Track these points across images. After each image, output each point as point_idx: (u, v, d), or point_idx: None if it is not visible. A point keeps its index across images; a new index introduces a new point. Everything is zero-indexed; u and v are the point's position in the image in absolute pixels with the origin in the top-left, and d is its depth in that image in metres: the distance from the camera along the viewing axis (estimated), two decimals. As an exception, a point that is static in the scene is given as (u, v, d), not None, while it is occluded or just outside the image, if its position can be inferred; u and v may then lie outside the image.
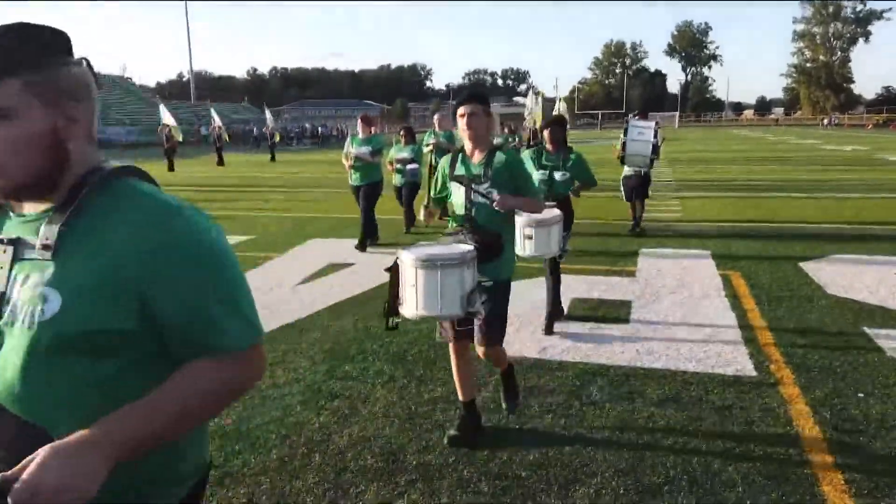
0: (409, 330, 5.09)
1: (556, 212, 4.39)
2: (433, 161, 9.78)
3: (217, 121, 27.81)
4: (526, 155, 5.12)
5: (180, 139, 25.70)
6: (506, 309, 3.34)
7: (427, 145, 9.86)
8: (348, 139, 8.62)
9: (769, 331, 4.95)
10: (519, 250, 3.97)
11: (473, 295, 2.97)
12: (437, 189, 3.56)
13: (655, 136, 8.84)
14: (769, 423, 3.51)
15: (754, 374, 4.17)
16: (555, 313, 5.13)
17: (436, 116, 10.42)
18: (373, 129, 8.26)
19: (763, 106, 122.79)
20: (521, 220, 3.91)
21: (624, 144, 8.91)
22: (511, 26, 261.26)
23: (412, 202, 9.37)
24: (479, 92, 3.42)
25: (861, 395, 3.83)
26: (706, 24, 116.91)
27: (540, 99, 24.99)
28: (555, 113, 27.48)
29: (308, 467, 3.16)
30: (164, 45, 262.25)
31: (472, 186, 3.22)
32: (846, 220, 10.16)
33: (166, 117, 25.09)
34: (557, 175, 5.30)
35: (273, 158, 29.74)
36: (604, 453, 3.23)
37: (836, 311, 5.42)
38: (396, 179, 9.53)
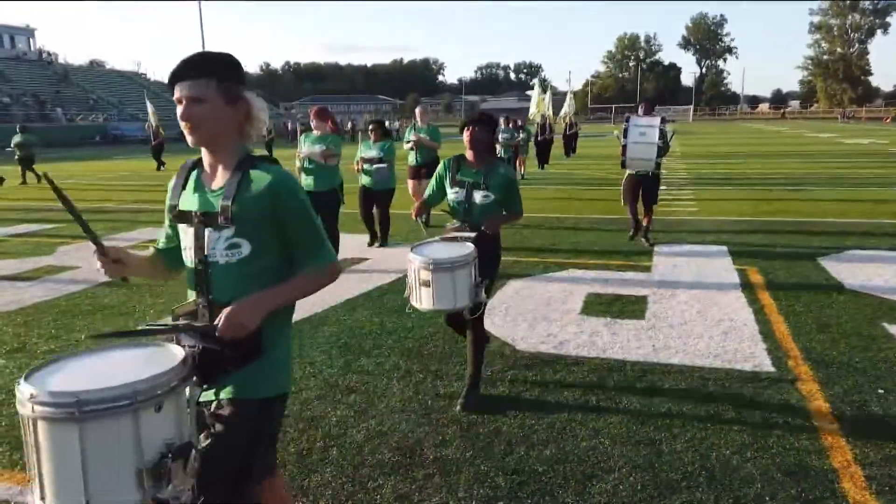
0: (424, 325, 5.11)
1: (469, 248, 3.42)
2: (417, 159, 9.41)
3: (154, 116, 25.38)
4: (437, 171, 3.96)
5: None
6: None
7: (407, 142, 9.42)
8: (300, 136, 7.30)
9: (787, 326, 4.92)
10: (414, 300, 3.39)
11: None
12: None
13: (661, 136, 7.62)
14: (788, 419, 3.49)
15: (772, 369, 4.14)
16: (474, 385, 3.79)
17: (417, 110, 9.85)
18: (329, 124, 7.08)
19: (779, 99, 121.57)
20: (416, 260, 3.32)
21: (624, 148, 7.74)
22: (524, 20, 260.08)
23: (385, 209, 8.35)
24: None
25: (881, 391, 3.80)
26: (721, 16, 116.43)
27: (548, 91, 24.52)
28: (564, 109, 26.71)
29: (326, 461, 3.18)
30: (179, 41, 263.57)
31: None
32: (864, 214, 10.05)
33: (152, 114, 24.28)
34: (478, 195, 3.76)
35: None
36: (621, 449, 3.23)
37: (855, 307, 5.37)
38: (364, 181, 8.29)
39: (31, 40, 66.45)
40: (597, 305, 5.57)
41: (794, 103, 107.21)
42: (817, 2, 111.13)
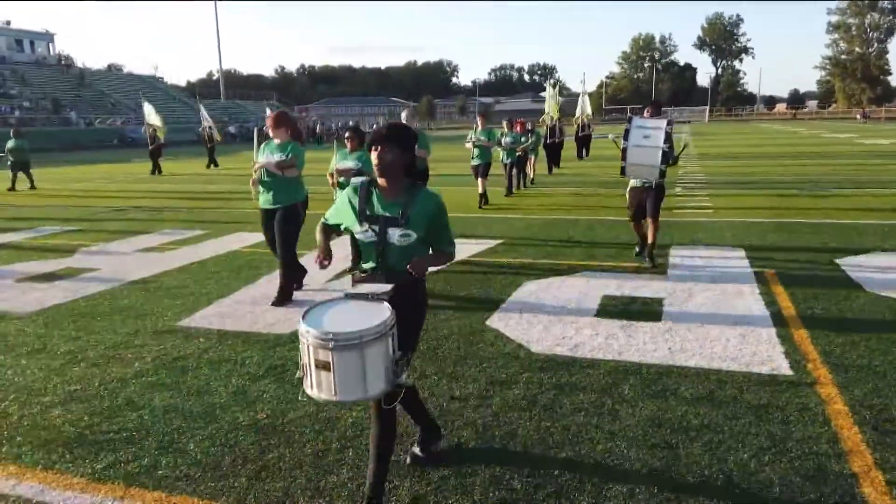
0: (440, 327, 5.12)
1: (385, 311, 2.53)
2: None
3: (208, 121, 26.59)
4: (345, 193, 3.03)
5: (164, 139, 24.43)
6: None
7: None
8: (259, 145, 6.28)
9: (805, 329, 4.87)
10: (309, 387, 2.49)
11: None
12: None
13: (668, 140, 6.61)
14: (806, 423, 3.46)
15: (790, 372, 4.10)
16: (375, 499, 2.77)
17: (403, 113, 8.80)
18: (288, 130, 6.10)
19: (796, 99, 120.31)
20: (310, 334, 2.41)
21: (624, 152, 6.77)
22: (537, 21, 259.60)
23: None
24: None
25: (902, 395, 3.75)
26: (737, 16, 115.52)
27: (556, 91, 23.75)
28: (578, 112, 25.90)
29: (342, 462, 3.20)
30: (195, 45, 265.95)
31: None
32: (885, 215, 9.92)
33: (151, 117, 23.90)
34: (395, 234, 2.85)
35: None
36: (637, 452, 3.21)
37: (875, 309, 5.30)
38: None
39: (50, 45, 67.41)
40: (612, 307, 5.55)
41: (812, 103, 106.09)
42: (835, 1, 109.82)
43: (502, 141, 13.92)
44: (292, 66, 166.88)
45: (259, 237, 9.09)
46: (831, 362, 4.23)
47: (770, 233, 8.71)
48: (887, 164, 18.72)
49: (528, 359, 4.45)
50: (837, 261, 6.94)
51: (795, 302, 5.54)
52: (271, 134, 6.14)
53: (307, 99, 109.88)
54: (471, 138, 12.52)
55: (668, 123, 6.75)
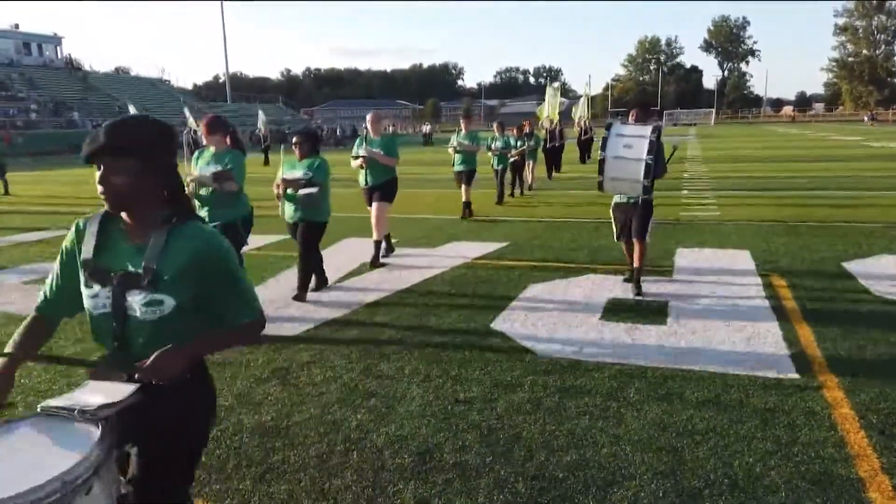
0: (444, 329, 5.12)
1: (90, 439, 1.57)
2: (367, 180, 7.57)
3: (193, 124, 25.12)
4: (70, 234, 1.94)
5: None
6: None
7: (355, 157, 7.57)
8: (193, 155, 5.60)
9: (812, 332, 4.84)
10: None
11: None
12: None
13: (651, 151, 5.54)
14: (813, 427, 3.44)
15: (796, 376, 4.08)
16: None
17: (368, 116, 7.79)
18: (225, 138, 5.40)
19: (803, 101, 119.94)
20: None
21: (601, 163, 5.78)
22: (543, 23, 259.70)
23: (309, 248, 6.15)
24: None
25: (909, 399, 3.73)
26: (744, 18, 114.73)
27: (558, 93, 23.08)
28: (579, 113, 24.97)
29: (346, 465, 3.20)
30: (202, 48, 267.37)
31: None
32: (893, 218, 9.87)
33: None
34: (136, 300, 1.82)
35: (267, 162, 26.42)
36: (642, 455, 3.20)
37: (882, 313, 5.27)
38: (286, 212, 6.14)
39: (58, 48, 67.73)
40: (617, 311, 5.53)
41: (819, 106, 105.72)
42: (842, 3, 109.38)
43: (492, 145, 13.18)
44: (298, 69, 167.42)
45: (266, 239, 9.13)
46: (838, 366, 4.21)
47: (776, 235, 8.68)
48: (892, 168, 18.61)
49: (533, 361, 4.44)
50: (844, 264, 6.91)
51: (802, 305, 5.51)
52: (205, 141, 5.48)
53: (313, 101, 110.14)
54: (453, 142, 11.37)
55: (654, 131, 5.67)
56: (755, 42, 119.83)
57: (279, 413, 3.76)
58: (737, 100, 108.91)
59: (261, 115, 32.12)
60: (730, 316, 5.30)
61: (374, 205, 7.53)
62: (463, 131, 11.45)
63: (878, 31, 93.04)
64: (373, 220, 7.58)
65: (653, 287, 6.24)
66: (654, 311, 5.48)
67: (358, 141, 7.68)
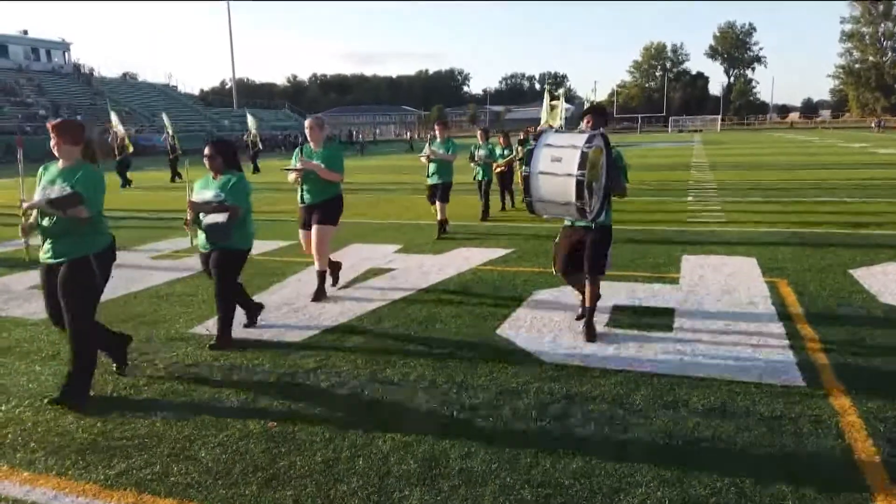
0: (450, 335, 5.12)
1: None
2: (305, 198, 6.27)
3: (170, 130, 23.86)
4: None
5: (131, 150, 21.74)
6: None
7: (288, 169, 6.35)
8: (40, 170, 4.21)
9: (818, 340, 4.83)
10: None
11: None
12: None
13: (583, 166, 4.23)
14: (820, 436, 3.42)
15: (803, 384, 4.07)
16: None
17: (307, 122, 6.30)
18: (79, 146, 4.12)
19: (809, 108, 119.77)
20: None
21: (526, 181, 4.53)
22: (549, 30, 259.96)
23: (224, 281, 5.04)
24: None
25: (917, 407, 3.71)
26: (750, 24, 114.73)
27: (561, 100, 22.74)
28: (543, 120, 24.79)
29: (352, 471, 3.20)
30: (209, 54, 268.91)
31: None
32: (899, 225, 9.82)
33: (116, 124, 21.57)
34: None
35: (256, 170, 25.80)
36: (648, 463, 3.19)
37: (889, 321, 5.25)
38: (199, 240, 5.17)
39: (66, 54, 68.22)
40: (623, 317, 5.53)
41: (826, 112, 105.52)
42: (849, 10, 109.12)
43: (475, 155, 11.85)
44: (304, 75, 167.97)
45: (272, 245, 9.17)
46: (845, 374, 4.20)
47: (783, 242, 8.65)
48: (902, 174, 18.55)
49: (539, 368, 4.44)
50: (851, 271, 6.88)
51: (808, 312, 5.49)
52: (56, 152, 4.09)
53: (319, 107, 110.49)
54: (426, 151, 9.92)
55: (588, 140, 4.35)
56: (761, 49, 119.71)
57: (285, 418, 3.77)
58: (743, 106, 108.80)
59: (250, 120, 28.82)
60: (736, 323, 5.28)
61: (314, 228, 6.16)
62: (438, 139, 10.18)
63: (885, 38, 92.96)
64: (313, 247, 6.24)
65: (658, 294, 6.23)
66: (660, 318, 5.47)
67: (296, 151, 6.28)
